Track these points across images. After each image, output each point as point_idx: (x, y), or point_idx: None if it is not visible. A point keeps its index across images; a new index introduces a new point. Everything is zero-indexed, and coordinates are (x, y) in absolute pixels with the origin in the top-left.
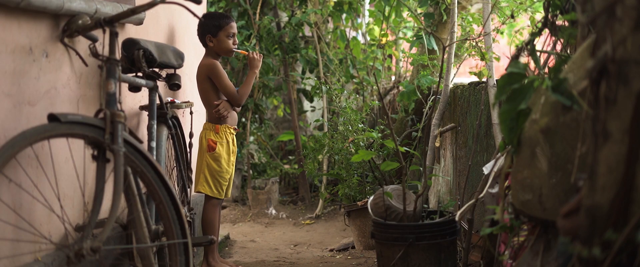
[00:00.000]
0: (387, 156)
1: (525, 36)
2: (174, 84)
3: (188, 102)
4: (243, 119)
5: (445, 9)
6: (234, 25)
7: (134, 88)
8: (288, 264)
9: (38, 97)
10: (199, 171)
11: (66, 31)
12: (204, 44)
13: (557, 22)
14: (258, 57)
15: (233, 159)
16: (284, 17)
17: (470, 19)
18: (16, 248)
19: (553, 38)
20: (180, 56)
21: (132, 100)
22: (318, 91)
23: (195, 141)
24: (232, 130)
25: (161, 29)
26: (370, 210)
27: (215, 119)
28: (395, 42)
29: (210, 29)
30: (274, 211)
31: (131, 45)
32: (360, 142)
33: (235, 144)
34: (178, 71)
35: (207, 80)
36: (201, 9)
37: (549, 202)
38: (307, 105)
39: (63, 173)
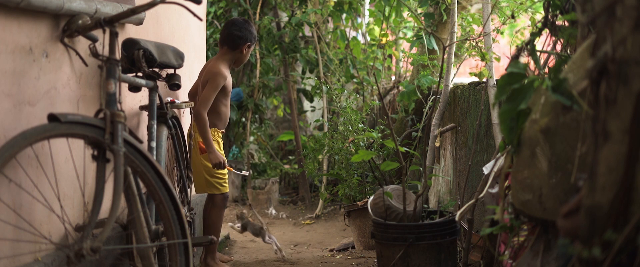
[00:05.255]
0: (387, 156)
1: (526, 36)
2: (174, 84)
3: (188, 102)
4: (243, 119)
5: (445, 9)
6: None
7: (134, 88)
8: (288, 264)
9: (38, 97)
10: (198, 174)
11: (66, 31)
12: (234, 47)
13: (557, 22)
14: (215, 163)
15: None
16: (284, 17)
17: (470, 19)
18: (16, 248)
19: (553, 38)
20: (180, 56)
21: (132, 100)
22: (318, 91)
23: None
24: (220, 134)
25: (161, 29)
26: (370, 210)
27: None
28: (395, 42)
29: (251, 39)
30: (274, 211)
31: (131, 45)
32: (360, 142)
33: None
34: (178, 71)
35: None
36: (201, 9)
37: (549, 202)
38: (307, 105)
39: (63, 173)
